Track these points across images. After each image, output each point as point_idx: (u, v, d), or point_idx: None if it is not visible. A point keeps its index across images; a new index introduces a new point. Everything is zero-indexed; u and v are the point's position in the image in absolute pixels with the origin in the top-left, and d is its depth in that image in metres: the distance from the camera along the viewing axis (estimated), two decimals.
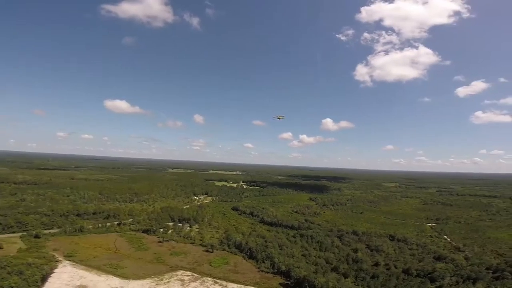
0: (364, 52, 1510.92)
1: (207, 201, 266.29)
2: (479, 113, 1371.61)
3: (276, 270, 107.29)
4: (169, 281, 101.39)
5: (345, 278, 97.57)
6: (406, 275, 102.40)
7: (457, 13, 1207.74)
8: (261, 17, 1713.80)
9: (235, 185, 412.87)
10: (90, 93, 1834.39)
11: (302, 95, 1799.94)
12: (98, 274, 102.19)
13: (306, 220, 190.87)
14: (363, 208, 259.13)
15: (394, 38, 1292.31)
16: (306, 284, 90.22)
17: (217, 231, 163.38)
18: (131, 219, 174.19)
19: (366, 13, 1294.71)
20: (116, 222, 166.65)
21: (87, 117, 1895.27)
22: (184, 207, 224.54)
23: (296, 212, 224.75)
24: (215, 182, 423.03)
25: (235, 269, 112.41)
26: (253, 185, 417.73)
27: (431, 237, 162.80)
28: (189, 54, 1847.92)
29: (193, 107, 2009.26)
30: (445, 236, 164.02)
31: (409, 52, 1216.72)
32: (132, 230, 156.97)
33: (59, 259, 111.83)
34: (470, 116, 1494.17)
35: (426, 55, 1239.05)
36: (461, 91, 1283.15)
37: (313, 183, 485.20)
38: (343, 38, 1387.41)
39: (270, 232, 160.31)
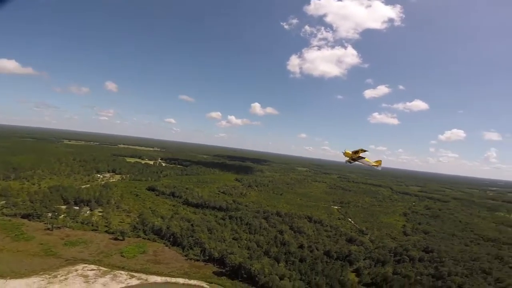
0: (301, 44, 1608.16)
1: (114, 180, 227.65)
2: (375, 114, 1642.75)
3: (207, 257, 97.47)
4: (66, 278, 79.79)
5: (277, 262, 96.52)
6: (327, 257, 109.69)
7: (391, 20, 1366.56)
8: None
9: (151, 162, 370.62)
10: None
11: (235, 77, 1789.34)
12: None
13: (234, 201, 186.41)
14: (282, 189, 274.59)
15: (329, 35, 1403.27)
16: (243, 271, 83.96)
17: (128, 215, 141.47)
18: (4, 201, 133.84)
19: (314, 6, 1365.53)
20: None
21: None
22: (83, 186, 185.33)
23: (223, 192, 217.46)
24: (126, 158, 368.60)
25: (156, 258, 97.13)
26: (174, 163, 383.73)
27: (339, 219, 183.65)
28: (108, 11, 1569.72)
29: (105, 73, 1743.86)
30: (350, 219, 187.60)
31: (338, 51, 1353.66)
32: (6, 215, 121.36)
33: None
34: (369, 116, 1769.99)
35: (351, 56, 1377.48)
36: (368, 93, 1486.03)
37: (238, 163, 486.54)
38: (286, 27, 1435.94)
39: (197, 215, 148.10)
